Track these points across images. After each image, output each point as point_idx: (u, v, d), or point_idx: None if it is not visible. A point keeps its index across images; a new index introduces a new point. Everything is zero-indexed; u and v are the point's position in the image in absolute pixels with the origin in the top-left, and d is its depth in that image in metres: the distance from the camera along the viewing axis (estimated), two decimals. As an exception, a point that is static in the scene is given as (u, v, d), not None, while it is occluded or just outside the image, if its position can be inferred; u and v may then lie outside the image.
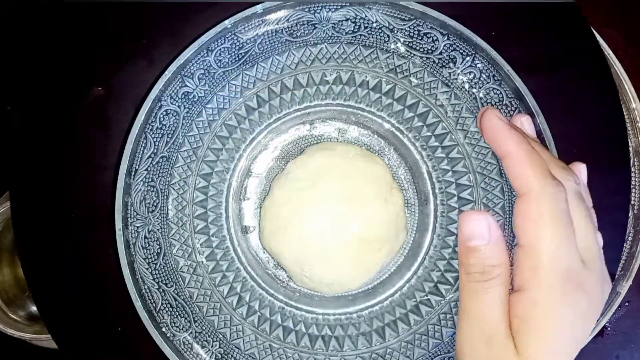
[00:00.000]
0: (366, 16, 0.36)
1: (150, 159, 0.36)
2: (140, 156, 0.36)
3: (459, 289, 0.26)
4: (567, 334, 0.23)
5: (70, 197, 0.39)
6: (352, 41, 0.37)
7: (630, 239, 0.40)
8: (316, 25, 0.37)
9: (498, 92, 0.36)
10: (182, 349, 0.35)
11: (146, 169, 0.36)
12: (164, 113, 0.36)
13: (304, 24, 0.37)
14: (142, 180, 0.36)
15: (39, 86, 0.40)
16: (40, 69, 0.40)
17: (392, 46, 0.37)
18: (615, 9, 0.45)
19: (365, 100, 0.39)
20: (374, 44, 0.37)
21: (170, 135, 0.37)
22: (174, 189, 0.37)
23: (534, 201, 0.24)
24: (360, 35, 0.37)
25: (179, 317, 0.36)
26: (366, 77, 0.38)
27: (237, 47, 0.36)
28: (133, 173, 0.36)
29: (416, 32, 0.36)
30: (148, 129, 0.36)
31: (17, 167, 0.39)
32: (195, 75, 0.36)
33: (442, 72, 0.37)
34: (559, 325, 0.23)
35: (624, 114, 0.39)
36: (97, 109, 0.40)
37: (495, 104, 0.36)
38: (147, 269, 0.36)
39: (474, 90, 0.37)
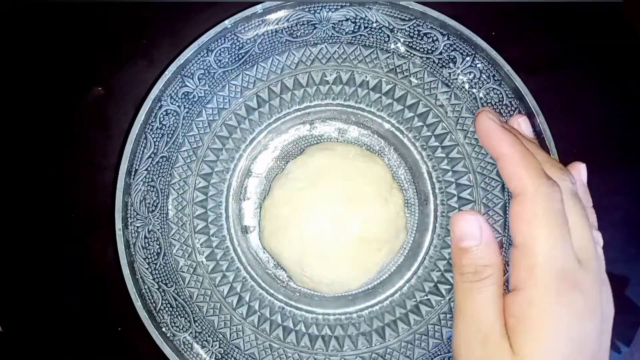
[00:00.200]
0: (366, 16, 0.36)
1: (150, 159, 0.36)
2: (140, 156, 0.36)
3: (453, 290, 0.26)
4: (562, 334, 0.23)
5: (70, 197, 0.39)
6: (352, 41, 0.37)
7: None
8: (316, 25, 0.37)
9: (498, 92, 0.36)
10: (182, 349, 0.35)
11: (146, 169, 0.36)
12: (164, 113, 0.36)
13: (304, 24, 0.37)
14: (142, 180, 0.36)
15: (39, 86, 0.40)
16: (40, 69, 0.40)
17: (392, 46, 0.37)
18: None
19: (365, 100, 0.39)
20: (374, 44, 0.37)
21: (170, 135, 0.37)
22: (174, 189, 0.37)
23: (529, 201, 0.24)
24: (360, 35, 0.37)
25: (179, 317, 0.36)
26: (366, 77, 0.38)
27: (237, 47, 0.36)
28: (133, 173, 0.36)
29: (416, 32, 0.36)
30: (148, 129, 0.36)
31: (17, 167, 0.39)
32: (195, 75, 0.36)
33: (442, 72, 0.37)
34: (554, 325, 0.23)
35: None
36: (97, 109, 0.40)
37: (495, 104, 0.36)
38: (147, 269, 0.36)
39: (474, 90, 0.37)
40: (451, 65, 0.37)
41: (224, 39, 0.36)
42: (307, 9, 0.36)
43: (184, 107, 0.37)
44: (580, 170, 0.29)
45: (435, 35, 0.36)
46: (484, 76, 0.36)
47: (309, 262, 0.36)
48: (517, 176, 0.24)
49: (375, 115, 0.39)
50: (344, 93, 0.39)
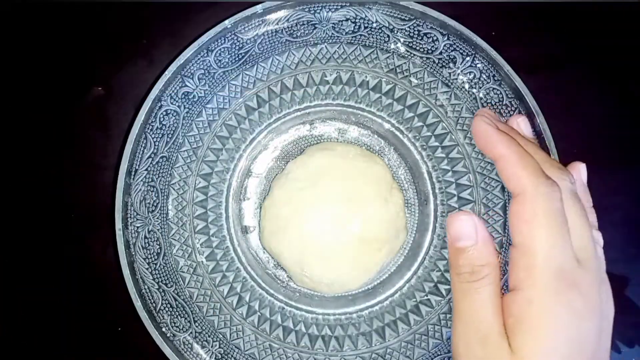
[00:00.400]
0: (366, 16, 0.36)
1: (150, 159, 0.36)
2: (140, 156, 0.36)
3: (451, 291, 0.26)
4: (561, 334, 0.23)
5: (70, 197, 0.39)
6: (352, 41, 0.37)
7: None
8: (316, 25, 0.37)
9: (498, 92, 0.36)
10: (182, 349, 0.35)
11: (146, 169, 0.36)
12: (164, 113, 0.36)
13: (304, 24, 0.37)
14: (142, 180, 0.36)
15: (39, 86, 0.40)
16: (40, 69, 0.40)
17: (392, 46, 0.37)
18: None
19: (365, 100, 0.39)
20: (374, 44, 0.37)
21: (170, 135, 0.37)
22: (174, 189, 0.37)
23: (528, 201, 0.24)
24: (360, 35, 0.37)
25: (179, 317, 0.36)
26: (366, 77, 0.38)
27: (237, 47, 0.36)
28: (133, 173, 0.36)
29: (416, 32, 0.36)
30: (148, 129, 0.36)
31: (17, 167, 0.39)
32: (195, 75, 0.36)
33: (442, 72, 0.37)
34: (554, 324, 0.23)
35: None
36: (97, 109, 0.40)
37: (495, 104, 0.36)
38: (147, 269, 0.36)
39: (474, 90, 0.37)
40: (451, 65, 0.37)
41: (224, 39, 0.36)
42: (307, 9, 0.36)
43: (184, 107, 0.37)
44: (580, 170, 0.29)
45: (435, 35, 0.36)
46: (484, 76, 0.36)
47: (309, 262, 0.36)
48: (515, 176, 0.25)
49: (375, 115, 0.39)
50: (344, 93, 0.39)
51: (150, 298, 0.35)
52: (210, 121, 0.38)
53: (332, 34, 0.37)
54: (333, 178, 0.37)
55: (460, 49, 0.36)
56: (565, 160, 0.36)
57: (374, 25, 0.37)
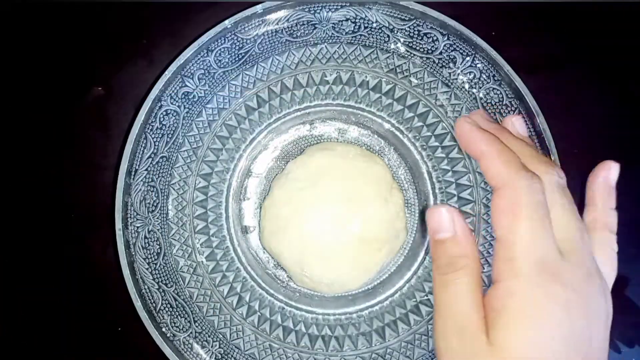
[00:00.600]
0: (366, 16, 0.36)
1: (150, 159, 0.36)
2: (140, 156, 0.36)
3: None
4: (546, 326, 0.22)
5: (70, 197, 0.39)
6: (352, 41, 0.37)
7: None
8: (316, 25, 0.37)
9: (498, 92, 0.36)
10: (182, 349, 0.35)
11: (146, 169, 0.36)
12: (164, 113, 0.36)
13: (304, 24, 0.37)
14: (142, 180, 0.36)
15: (39, 86, 0.40)
16: (40, 69, 0.40)
17: (392, 46, 0.37)
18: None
19: (365, 100, 0.39)
20: (374, 44, 0.37)
21: (170, 135, 0.37)
22: (174, 189, 0.37)
23: (508, 194, 0.24)
24: (360, 35, 0.37)
25: (179, 317, 0.36)
26: (366, 77, 0.38)
27: (237, 47, 0.36)
28: (133, 173, 0.36)
29: (416, 32, 0.36)
30: (148, 129, 0.36)
31: (17, 167, 0.39)
32: (195, 75, 0.36)
33: (442, 72, 0.37)
34: (536, 316, 0.22)
35: None
36: (97, 109, 0.40)
37: (495, 104, 0.36)
38: (147, 269, 0.36)
39: (474, 90, 0.37)
40: (451, 65, 0.37)
41: (224, 39, 0.36)
42: (307, 9, 0.36)
43: (184, 107, 0.37)
44: (609, 168, 0.29)
45: (435, 35, 0.36)
46: (484, 76, 0.36)
47: (309, 262, 0.36)
48: (496, 171, 0.25)
49: (375, 115, 0.39)
50: (344, 93, 0.39)
51: (150, 298, 0.35)
52: (210, 121, 0.38)
53: (332, 34, 0.37)
54: (333, 178, 0.37)
55: (460, 49, 0.36)
56: (565, 160, 0.36)
57: (374, 25, 0.37)
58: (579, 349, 0.22)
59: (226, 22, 0.35)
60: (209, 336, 0.36)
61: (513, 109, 0.36)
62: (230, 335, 0.37)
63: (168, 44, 0.39)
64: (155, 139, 0.36)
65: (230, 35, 0.36)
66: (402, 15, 0.36)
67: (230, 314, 0.37)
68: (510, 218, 0.24)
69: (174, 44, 0.38)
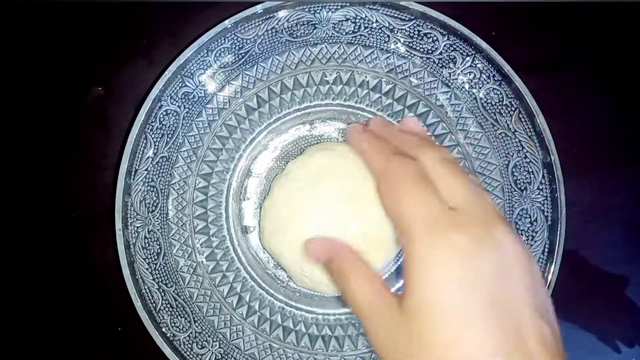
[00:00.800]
0: (366, 16, 0.36)
1: (150, 159, 0.36)
2: (140, 156, 0.36)
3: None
4: (444, 271, 0.22)
5: (70, 197, 0.39)
6: (352, 41, 0.37)
7: None
8: (316, 25, 0.37)
9: (498, 92, 0.36)
10: (182, 349, 0.35)
11: (146, 169, 0.36)
12: (164, 113, 0.36)
13: (304, 24, 0.37)
14: (142, 180, 0.36)
15: (39, 86, 0.40)
16: (40, 69, 0.40)
17: (392, 46, 0.37)
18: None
19: (365, 100, 0.39)
20: (374, 44, 0.37)
21: (170, 135, 0.37)
22: (174, 189, 0.37)
23: (383, 178, 0.27)
24: (360, 35, 0.37)
25: (179, 317, 0.36)
26: (366, 77, 0.38)
27: (237, 47, 0.36)
28: (133, 173, 0.36)
29: (416, 32, 0.36)
30: (148, 129, 0.36)
31: (17, 167, 0.39)
32: (195, 75, 0.36)
33: (442, 72, 0.37)
34: (438, 264, 0.23)
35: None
36: (97, 109, 0.40)
37: (495, 104, 0.36)
38: (147, 269, 0.36)
39: (474, 90, 0.37)
40: (451, 65, 0.37)
41: (224, 39, 0.36)
42: (307, 9, 0.36)
43: (184, 107, 0.37)
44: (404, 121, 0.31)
45: (435, 36, 0.36)
46: (484, 76, 0.36)
47: (309, 262, 0.36)
48: (374, 163, 0.28)
49: (375, 116, 0.39)
50: (344, 93, 0.39)
51: (150, 298, 0.35)
52: (210, 121, 0.38)
53: (332, 34, 0.37)
54: (333, 178, 0.37)
55: (460, 49, 0.36)
56: (565, 160, 0.36)
57: (374, 25, 0.37)
58: (485, 292, 0.22)
59: (226, 22, 0.35)
60: (209, 336, 0.36)
61: (513, 109, 0.36)
62: (230, 335, 0.37)
63: (168, 44, 0.39)
64: (155, 139, 0.36)
65: (230, 35, 0.36)
66: (402, 15, 0.36)
67: (230, 314, 0.37)
68: (392, 197, 0.26)
69: (174, 44, 0.38)
